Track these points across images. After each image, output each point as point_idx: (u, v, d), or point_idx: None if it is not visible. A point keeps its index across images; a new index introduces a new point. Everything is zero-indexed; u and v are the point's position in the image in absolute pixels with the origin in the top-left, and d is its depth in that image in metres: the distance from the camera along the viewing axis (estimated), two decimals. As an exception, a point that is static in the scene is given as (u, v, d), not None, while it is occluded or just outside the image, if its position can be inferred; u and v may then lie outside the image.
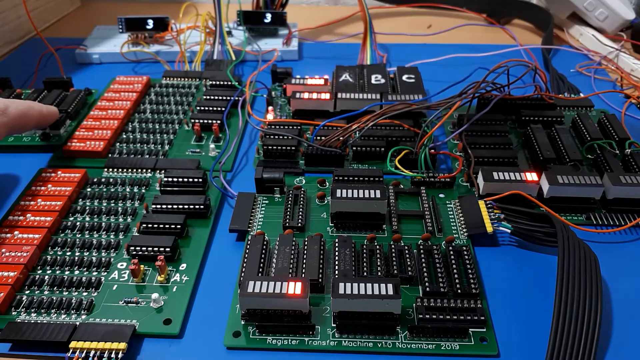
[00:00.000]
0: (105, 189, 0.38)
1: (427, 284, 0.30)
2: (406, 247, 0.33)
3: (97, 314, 0.29)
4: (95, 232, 0.35)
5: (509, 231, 0.34)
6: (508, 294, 0.31)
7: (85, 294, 0.31)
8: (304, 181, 0.39)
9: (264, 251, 0.32)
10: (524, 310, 0.30)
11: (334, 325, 0.29)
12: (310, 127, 0.44)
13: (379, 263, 0.32)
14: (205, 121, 0.45)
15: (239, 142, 0.44)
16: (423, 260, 0.32)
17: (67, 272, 0.32)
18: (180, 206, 0.36)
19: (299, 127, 0.43)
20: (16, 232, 0.33)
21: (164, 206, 0.36)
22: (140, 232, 0.34)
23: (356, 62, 0.56)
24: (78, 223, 0.35)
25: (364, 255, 0.32)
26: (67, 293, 0.31)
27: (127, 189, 0.38)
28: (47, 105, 0.41)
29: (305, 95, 0.45)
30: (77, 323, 0.28)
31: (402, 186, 0.39)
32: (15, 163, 0.42)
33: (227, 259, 0.34)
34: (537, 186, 0.36)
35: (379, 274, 0.31)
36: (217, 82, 0.51)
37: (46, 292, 0.31)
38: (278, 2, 0.62)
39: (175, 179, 0.37)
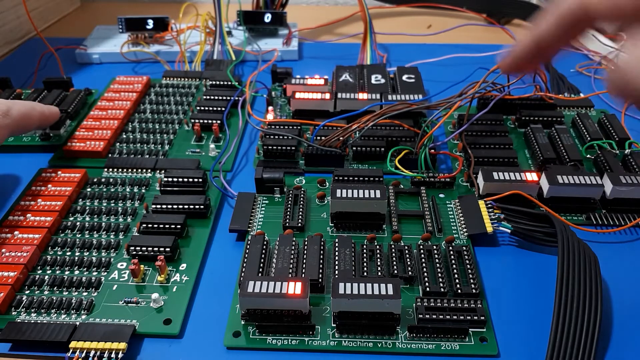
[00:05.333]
0: (105, 189, 0.38)
1: (427, 284, 0.30)
2: (406, 247, 0.33)
3: (97, 314, 0.29)
4: (95, 232, 0.35)
5: (509, 231, 0.34)
6: (508, 294, 0.31)
7: (85, 294, 0.31)
8: (304, 181, 0.39)
9: (264, 251, 0.32)
10: (524, 310, 0.30)
11: (334, 325, 0.29)
12: (310, 127, 0.44)
13: (379, 263, 0.32)
14: (205, 121, 0.45)
15: (239, 142, 0.44)
16: (423, 260, 0.32)
17: (67, 272, 0.32)
18: (180, 206, 0.36)
19: (299, 127, 0.43)
20: (16, 232, 0.33)
21: (164, 206, 0.36)
22: (140, 232, 0.34)
23: (356, 62, 0.56)
24: (78, 223, 0.35)
25: (364, 255, 0.32)
26: (67, 293, 0.31)
27: (127, 189, 0.38)
28: (49, 105, 0.41)
29: (306, 96, 0.45)
30: (77, 323, 0.28)
31: (402, 186, 0.39)
32: (15, 163, 0.42)
33: (227, 259, 0.34)
34: (537, 186, 0.36)
35: (379, 274, 0.31)
36: (217, 82, 0.51)
37: (46, 292, 0.31)
38: (278, 2, 0.62)
39: (175, 179, 0.37)
